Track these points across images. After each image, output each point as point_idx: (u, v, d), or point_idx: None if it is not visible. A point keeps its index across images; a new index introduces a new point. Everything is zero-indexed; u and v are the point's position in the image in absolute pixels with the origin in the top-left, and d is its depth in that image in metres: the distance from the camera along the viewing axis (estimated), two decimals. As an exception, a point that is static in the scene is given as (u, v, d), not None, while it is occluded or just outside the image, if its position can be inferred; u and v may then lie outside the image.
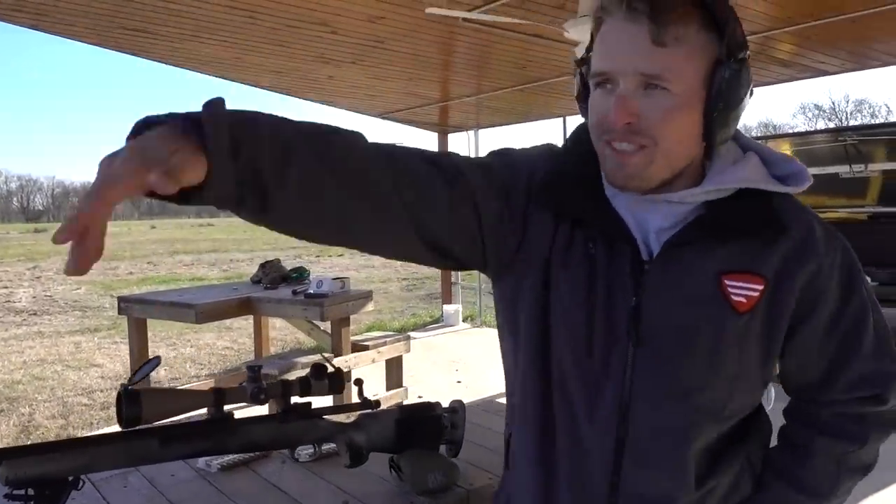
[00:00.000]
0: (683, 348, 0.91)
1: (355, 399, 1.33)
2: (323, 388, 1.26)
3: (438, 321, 8.91)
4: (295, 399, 1.24)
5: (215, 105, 0.71)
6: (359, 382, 1.33)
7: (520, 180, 0.97)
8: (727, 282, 0.90)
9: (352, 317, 4.24)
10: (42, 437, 4.89)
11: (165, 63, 5.40)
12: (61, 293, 13.58)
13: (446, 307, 8.85)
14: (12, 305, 11.91)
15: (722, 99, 0.87)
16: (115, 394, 5.50)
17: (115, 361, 7.26)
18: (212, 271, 17.43)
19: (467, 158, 0.97)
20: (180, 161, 0.66)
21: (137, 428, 1.08)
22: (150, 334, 8.15)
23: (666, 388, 0.91)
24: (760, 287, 0.91)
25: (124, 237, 39.02)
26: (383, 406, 1.42)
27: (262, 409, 1.38)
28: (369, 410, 1.33)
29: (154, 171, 0.64)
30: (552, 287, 0.95)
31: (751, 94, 0.91)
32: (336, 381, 1.26)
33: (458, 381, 5.74)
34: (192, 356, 7.67)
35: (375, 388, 4.74)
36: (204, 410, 1.17)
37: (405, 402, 2.29)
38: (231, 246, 27.76)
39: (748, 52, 0.89)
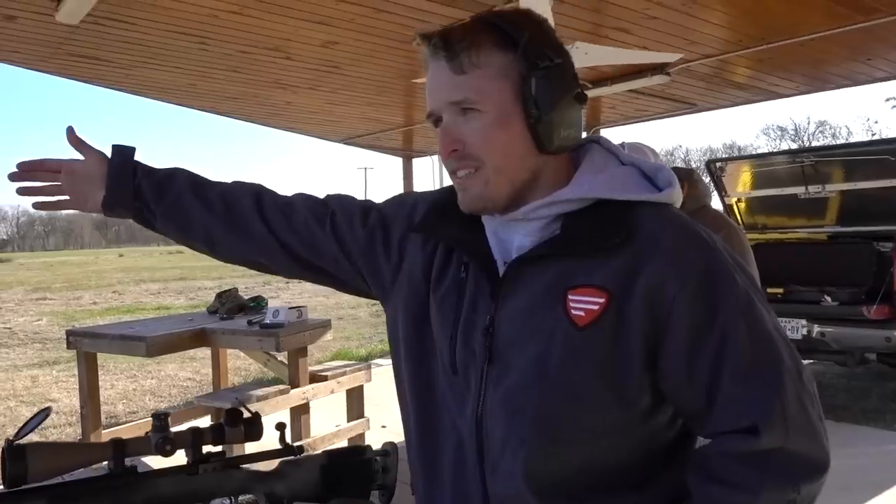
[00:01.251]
0: (527, 364, 0.92)
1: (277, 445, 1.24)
2: (239, 435, 1.17)
3: (406, 347, 8.78)
4: (208, 449, 1.15)
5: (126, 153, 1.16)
6: (280, 427, 1.25)
7: (401, 213, 1.11)
8: (570, 297, 0.90)
9: (317, 345, 4.14)
10: (-12, 478, 4.67)
11: (119, 90, 5.30)
12: (21, 325, 13.22)
13: (414, 333, 8.74)
14: (-31, 339, 11.54)
15: (536, 108, 0.90)
16: (69, 430, 5.29)
17: (71, 396, 7.03)
18: (178, 300, 17.14)
19: (353, 198, 1.18)
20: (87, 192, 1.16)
21: (23, 487, 0.98)
22: (111, 365, 8.05)
23: (511, 403, 0.93)
24: (601, 300, 0.88)
25: (91, 266, 38.37)
26: (330, 448, 1.34)
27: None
28: (291, 457, 1.25)
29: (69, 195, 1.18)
30: (430, 309, 1.03)
31: (580, 97, 0.95)
32: (253, 428, 1.18)
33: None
34: (152, 388, 7.48)
35: (337, 419, 4.63)
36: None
37: (336, 446, 2.21)
38: (199, 274, 27.36)
39: (560, 59, 0.92)
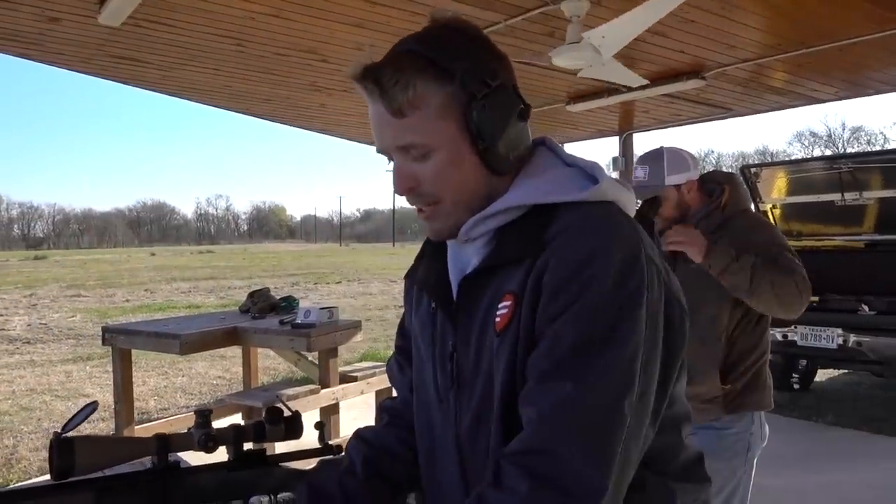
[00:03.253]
0: (474, 378, 0.95)
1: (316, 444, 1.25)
2: (279, 433, 1.18)
3: (434, 350, 8.79)
4: (248, 445, 1.16)
5: None
6: (320, 426, 1.26)
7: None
8: (499, 306, 0.91)
9: (346, 345, 4.17)
10: (24, 470, 4.77)
11: (156, 91, 5.38)
12: (56, 321, 13.48)
13: (442, 335, 8.75)
14: (6, 334, 11.80)
15: (482, 137, 0.90)
16: (102, 425, 5.38)
17: (105, 391, 7.15)
18: (209, 298, 17.34)
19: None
20: None
21: (71, 480, 1.00)
22: (143, 362, 8.16)
23: (475, 424, 0.95)
24: (509, 303, 0.89)
25: (123, 264, 39.01)
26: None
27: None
28: (331, 456, 1.26)
29: None
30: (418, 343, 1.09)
31: (522, 114, 0.94)
32: (293, 426, 1.19)
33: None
34: (183, 386, 7.57)
35: (367, 419, 4.63)
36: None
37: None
38: (229, 273, 27.70)
39: (497, 81, 0.91)
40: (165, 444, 1.08)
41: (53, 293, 19.62)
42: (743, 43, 4.15)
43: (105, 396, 6.96)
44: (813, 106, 5.85)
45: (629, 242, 0.87)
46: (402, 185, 0.94)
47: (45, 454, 5.11)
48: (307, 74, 4.79)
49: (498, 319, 0.90)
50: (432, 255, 1.07)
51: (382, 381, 4.47)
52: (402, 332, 1.21)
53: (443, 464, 1.03)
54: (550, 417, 0.80)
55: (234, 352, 8.52)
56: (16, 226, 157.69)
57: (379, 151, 0.96)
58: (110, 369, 8.19)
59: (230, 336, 4.17)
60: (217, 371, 8.22)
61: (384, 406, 1.27)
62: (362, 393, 4.31)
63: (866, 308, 5.15)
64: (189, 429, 1.13)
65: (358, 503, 1.08)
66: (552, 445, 0.79)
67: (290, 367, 7.89)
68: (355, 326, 4.33)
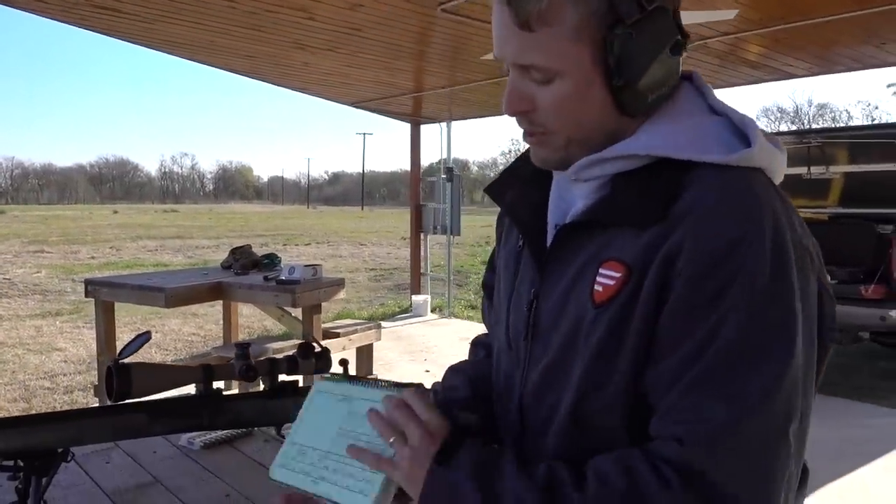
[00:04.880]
0: (555, 343, 0.82)
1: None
2: (310, 366, 1.27)
3: (407, 311, 8.93)
4: (282, 377, 1.26)
5: None
6: (344, 363, 1.35)
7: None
8: (600, 271, 0.77)
9: (321, 304, 4.24)
10: (3, 420, 4.79)
11: (135, 43, 5.31)
12: (21, 276, 13.26)
13: (415, 297, 8.88)
14: (-31, 288, 11.61)
15: (620, 73, 0.75)
16: (78, 378, 5.40)
17: (77, 346, 7.14)
18: (176, 257, 17.18)
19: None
20: None
21: (126, 402, 1.08)
22: (116, 318, 8.11)
23: (544, 388, 0.84)
24: (618, 275, 0.75)
25: (85, 221, 38.23)
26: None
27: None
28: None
29: None
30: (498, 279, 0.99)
31: (676, 47, 0.77)
32: (323, 360, 1.28)
33: (427, 371, 5.78)
34: (157, 342, 7.57)
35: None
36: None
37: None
38: (196, 233, 27.37)
39: (655, 3, 0.74)
40: (210, 373, 1.17)
41: (15, 248, 19.23)
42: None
43: (78, 350, 6.96)
44: (784, 81, 6.02)
45: (782, 226, 0.73)
46: (513, 106, 0.80)
47: (22, 405, 5.13)
48: (293, 32, 4.78)
49: (599, 289, 0.76)
50: (531, 181, 0.92)
51: (364, 338, 4.57)
52: (491, 264, 1.08)
53: (506, 417, 0.91)
54: (707, 443, 0.68)
55: (206, 309, 8.54)
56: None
57: (496, 58, 0.81)
58: (80, 325, 8.23)
59: (215, 291, 4.22)
60: (190, 328, 8.23)
61: (478, 341, 1.16)
62: (344, 349, 4.40)
63: (828, 277, 5.38)
64: (229, 360, 1.22)
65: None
66: (713, 475, 0.68)
67: (263, 324, 7.96)
68: (338, 284, 4.40)
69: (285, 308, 4.33)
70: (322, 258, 17.09)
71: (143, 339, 1.11)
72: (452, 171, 8.50)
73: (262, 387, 1.24)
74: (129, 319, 8.46)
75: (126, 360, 1.08)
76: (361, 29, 4.67)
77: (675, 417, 0.71)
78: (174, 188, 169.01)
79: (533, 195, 0.91)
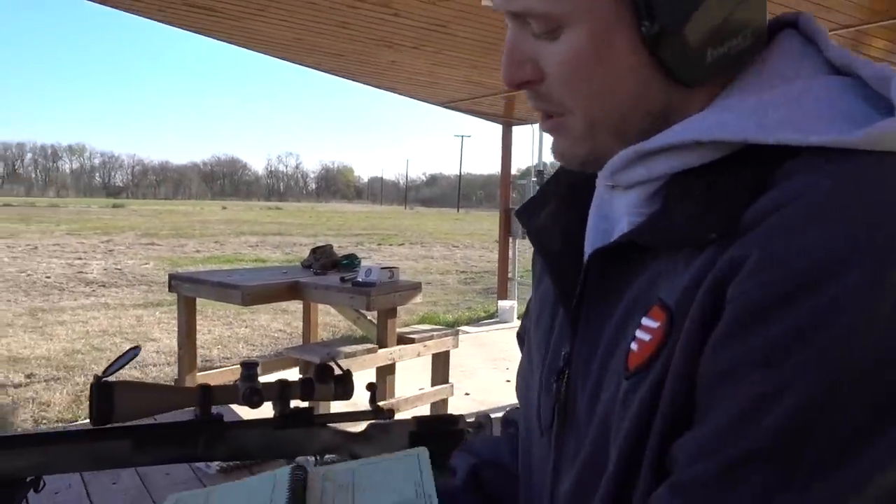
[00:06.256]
0: (588, 420, 0.57)
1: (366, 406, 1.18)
2: (328, 392, 1.11)
3: (493, 316, 8.74)
4: (295, 403, 1.10)
5: None
6: (371, 388, 1.18)
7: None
8: (643, 321, 0.52)
9: (406, 307, 4.12)
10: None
11: (228, 42, 5.38)
12: (131, 267, 14.00)
13: (501, 303, 8.68)
14: (84, 276, 12.32)
15: (651, 14, 0.50)
16: (167, 369, 5.54)
17: (171, 337, 7.36)
18: (275, 253, 17.70)
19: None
20: None
21: (110, 426, 0.95)
22: (209, 312, 8.37)
23: (576, 492, 0.58)
24: (657, 325, 0.50)
25: (196, 216, 40.25)
26: (411, 411, 1.27)
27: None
28: (381, 421, 1.18)
29: None
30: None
31: None
32: (343, 386, 1.11)
33: (508, 381, 5.56)
34: (245, 336, 7.73)
35: (422, 382, 4.63)
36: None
37: (419, 410, 2.13)
38: (296, 230, 28.20)
39: None
40: (208, 395, 1.03)
41: (129, 240, 20.39)
42: (842, 6, 3.84)
43: (171, 342, 7.17)
44: None
45: None
46: (512, 74, 0.57)
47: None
48: (377, 28, 4.69)
49: (634, 348, 0.52)
50: (566, 197, 0.67)
51: (440, 345, 4.42)
52: (528, 311, 0.78)
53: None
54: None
55: (297, 306, 8.64)
56: (97, 174, 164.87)
57: (496, 8, 0.59)
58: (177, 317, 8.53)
59: (291, 290, 4.18)
60: (279, 324, 8.37)
61: (509, 418, 0.87)
62: (419, 355, 4.27)
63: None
64: (235, 381, 1.08)
65: None
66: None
67: (349, 325, 7.97)
68: (415, 288, 4.27)
69: (360, 310, 4.24)
70: (414, 259, 17.17)
71: (131, 354, 0.98)
72: (543, 174, 8.26)
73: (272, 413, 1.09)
74: (223, 313, 8.70)
75: (110, 379, 0.96)
76: (446, 24, 4.52)
77: (687, 451, 0.46)
78: (279, 186, 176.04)
79: (566, 216, 0.65)
